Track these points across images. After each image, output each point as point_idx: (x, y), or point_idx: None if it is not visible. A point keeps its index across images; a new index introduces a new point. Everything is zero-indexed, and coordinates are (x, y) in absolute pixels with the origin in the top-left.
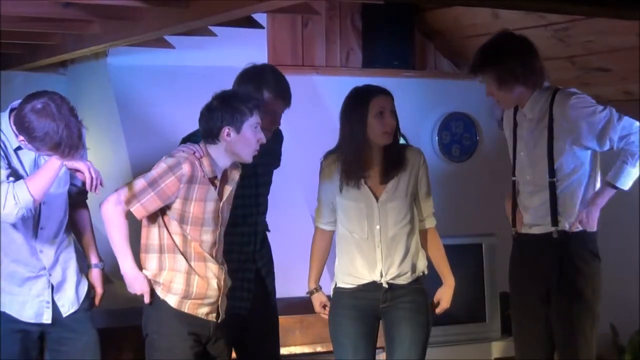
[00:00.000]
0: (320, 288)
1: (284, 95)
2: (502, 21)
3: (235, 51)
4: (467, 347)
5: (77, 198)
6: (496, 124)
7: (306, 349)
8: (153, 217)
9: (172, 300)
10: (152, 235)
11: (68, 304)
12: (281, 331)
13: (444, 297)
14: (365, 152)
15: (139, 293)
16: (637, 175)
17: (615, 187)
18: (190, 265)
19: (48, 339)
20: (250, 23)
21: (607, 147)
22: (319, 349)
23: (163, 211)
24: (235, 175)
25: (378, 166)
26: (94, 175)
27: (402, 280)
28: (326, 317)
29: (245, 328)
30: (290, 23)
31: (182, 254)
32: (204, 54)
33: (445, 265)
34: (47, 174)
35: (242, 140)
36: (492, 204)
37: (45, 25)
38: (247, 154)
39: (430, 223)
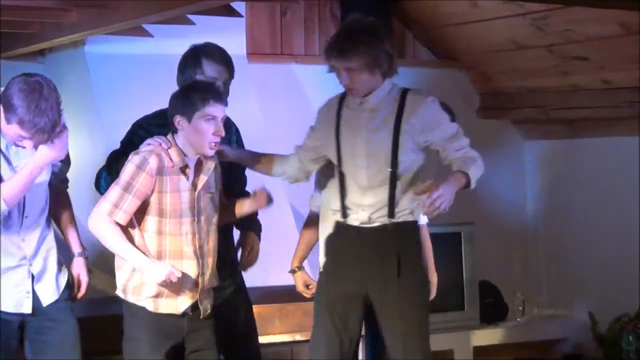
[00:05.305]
0: (303, 267)
1: (225, 61)
2: (481, 10)
3: (214, 40)
4: (446, 335)
5: (59, 187)
6: (474, 113)
7: (285, 338)
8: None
9: (147, 298)
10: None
11: (48, 293)
12: (260, 320)
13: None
14: None
15: (166, 278)
16: (477, 176)
17: (467, 180)
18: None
19: (28, 328)
20: (228, 12)
21: (452, 151)
22: (298, 337)
23: (138, 210)
24: (211, 165)
25: None
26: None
27: None
28: (308, 296)
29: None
30: (269, 12)
31: (157, 252)
32: (183, 42)
33: (430, 262)
34: (23, 179)
35: (194, 131)
36: (470, 193)
37: (24, 13)
38: (202, 146)
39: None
